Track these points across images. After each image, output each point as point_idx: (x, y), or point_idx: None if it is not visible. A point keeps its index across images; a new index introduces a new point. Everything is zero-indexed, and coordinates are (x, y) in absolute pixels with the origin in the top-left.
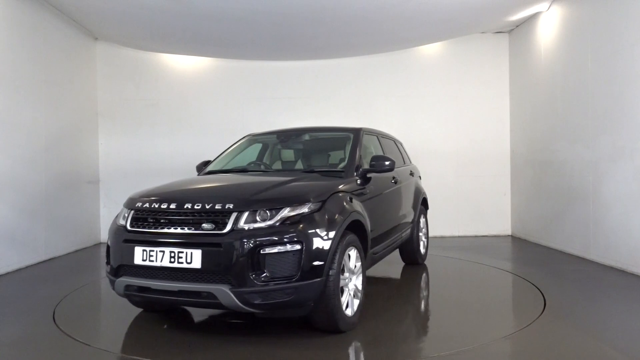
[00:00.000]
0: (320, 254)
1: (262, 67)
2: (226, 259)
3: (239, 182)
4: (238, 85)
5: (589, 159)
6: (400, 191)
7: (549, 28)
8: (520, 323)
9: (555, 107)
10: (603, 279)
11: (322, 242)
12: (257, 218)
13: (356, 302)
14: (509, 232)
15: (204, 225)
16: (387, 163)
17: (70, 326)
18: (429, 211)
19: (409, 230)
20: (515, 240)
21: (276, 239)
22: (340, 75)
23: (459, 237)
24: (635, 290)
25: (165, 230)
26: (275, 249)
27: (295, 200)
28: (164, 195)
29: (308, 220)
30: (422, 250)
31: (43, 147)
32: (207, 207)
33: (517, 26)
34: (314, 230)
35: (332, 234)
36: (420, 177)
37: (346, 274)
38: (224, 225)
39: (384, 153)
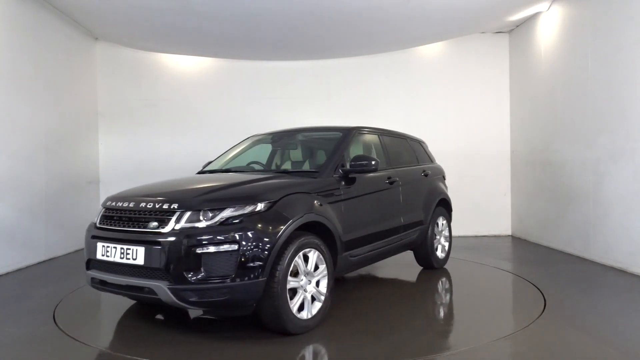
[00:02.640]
0: (259, 254)
1: (262, 67)
2: (164, 257)
3: (201, 182)
4: (238, 85)
5: (589, 159)
6: (399, 192)
7: (549, 28)
8: (520, 323)
9: (555, 107)
10: (603, 279)
11: (262, 243)
12: (201, 218)
13: (318, 304)
14: (509, 232)
15: (150, 223)
16: (368, 163)
17: (70, 326)
18: None
19: (417, 233)
20: (515, 240)
21: (213, 238)
22: (340, 75)
23: (459, 237)
24: (635, 290)
25: (120, 227)
26: (211, 249)
27: (239, 201)
28: (129, 195)
29: (250, 220)
30: (440, 254)
31: (43, 147)
32: (157, 206)
33: (517, 26)
34: (254, 231)
35: (276, 235)
36: (444, 177)
37: (301, 276)
38: (167, 224)
39: (385, 152)
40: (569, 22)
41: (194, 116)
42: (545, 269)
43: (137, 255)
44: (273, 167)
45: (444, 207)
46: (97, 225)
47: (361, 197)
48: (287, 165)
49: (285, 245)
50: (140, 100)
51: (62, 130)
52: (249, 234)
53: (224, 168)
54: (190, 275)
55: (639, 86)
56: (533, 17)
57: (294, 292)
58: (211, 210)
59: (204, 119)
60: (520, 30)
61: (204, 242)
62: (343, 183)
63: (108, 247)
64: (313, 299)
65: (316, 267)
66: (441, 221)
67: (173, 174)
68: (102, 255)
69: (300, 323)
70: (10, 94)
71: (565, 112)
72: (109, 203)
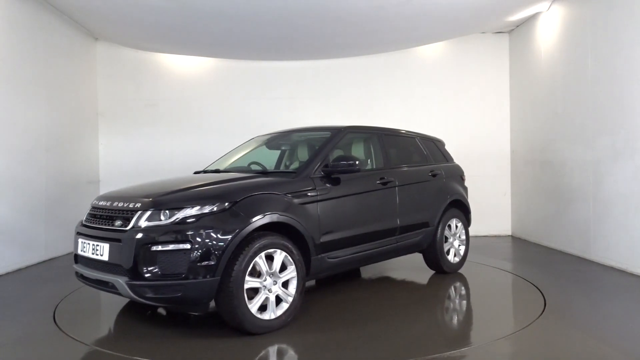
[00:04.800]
0: (212, 254)
1: (262, 67)
2: (123, 253)
3: (181, 182)
4: (238, 85)
5: (589, 159)
6: (394, 192)
7: (549, 28)
8: (520, 323)
9: (555, 107)
10: (603, 279)
11: (215, 242)
12: (161, 217)
13: (285, 305)
14: (509, 232)
15: (116, 221)
16: (351, 163)
17: (71, 326)
18: None
19: (421, 235)
20: (515, 240)
21: (167, 237)
22: (340, 75)
23: None
24: (635, 290)
25: (95, 225)
26: (165, 247)
27: (198, 201)
28: (110, 195)
29: (205, 220)
30: (453, 258)
31: (43, 147)
32: (124, 205)
33: (517, 26)
34: (207, 231)
35: (230, 235)
36: (462, 177)
37: (264, 277)
38: (130, 222)
39: (384, 152)
40: (569, 22)
41: (194, 116)
42: (545, 269)
43: (104, 251)
44: (269, 167)
45: (459, 208)
46: (83, 222)
47: (343, 197)
48: (279, 166)
49: (242, 245)
50: (140, 100)
51: (62, 130)
52: (203, 233)
53: (216, 169)
54: (146, 272)
55: (639, 86)
56: (533, 17)
57: (255, 291)
58: (170, 209)
59: (204, 119)
60: (520, 30)
61: (159, 240)
62: (326, 183)
63: (84, 243)
64: (280, 300)
65: (285, 268)
66: (455, 223)
67: (173, 173)
68: (81, 251)
69: (261, 323)
70: (10, 94)
71: (565, 112)
72: (94, 202)
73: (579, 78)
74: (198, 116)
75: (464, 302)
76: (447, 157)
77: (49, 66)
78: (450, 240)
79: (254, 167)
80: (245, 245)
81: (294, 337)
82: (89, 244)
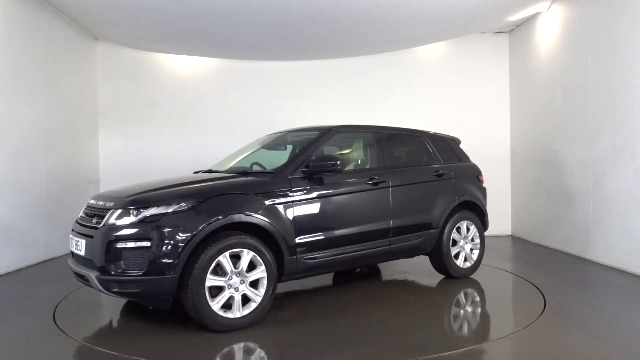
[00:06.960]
0: (170, 252)
1: (262, 67)
2: (95, 249)
3: (164, 183)
4: (238, 85)
5: (589, 159)
6: (387, 193)
7: (549, 28)
8: (520, 323)
9: (555, 107)
10: (603, 279)
11: (175, 241)
12: (130, 215)
13: (253, 305)
14: (509, 232)
15: (94, 219)
16: (332, 163)
17: (71, 326)
18: None
19: (422, 238)
20: (515, 240)
21: (130, 234)
22: (340, 75)
23: None
24: (635, 290)
25: (83, 222)
26: (127, 244)
27: (163, 201)
28: (100, 194)
29: (166, 219)
30: (462, 263)
31: (43, 147)
32: (103, 204)
33: (517, 26)
34: (167, 230)
35: (189, 234)
36: (479, 177)
37: (230, 276)
38: (103, 220)
39: (380, 151)
40: (569, 22)
41: (194, 116)
42: (545, 269)
43: (82, 247)
44: (272, 167)
45: (472, 210)
46: (78, 220)
47: (325, 198)
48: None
49: (204, 244)
50: (140, 100)
51: (62, 130)
52: (163, 232)
53: (209, 169)
54: (112, 267)
55: (639, 86)
56: (533, 17)
57: (221, 290)
58: (137, 208)
59: (204, 119)
60: (520, 30)
61: (122, 238)
62: (307, 184)
63: (72, 239)
64: (248, 299)
65: (254, 268)
66: (466, 226)
67: (172, 173)
68: (70, 247)
69: (224, 321)
70: (10, 93)
71: (566, 112)
72: (88, 200)
73: (579, 78)
74: (198, 116)
75: (465, 302)
76: (460, 157)
77: (49, 66)
78: (460, 243)
79: (256, 167)
80: (208, 244)
81: (285, 335)
82: (73, 239)
